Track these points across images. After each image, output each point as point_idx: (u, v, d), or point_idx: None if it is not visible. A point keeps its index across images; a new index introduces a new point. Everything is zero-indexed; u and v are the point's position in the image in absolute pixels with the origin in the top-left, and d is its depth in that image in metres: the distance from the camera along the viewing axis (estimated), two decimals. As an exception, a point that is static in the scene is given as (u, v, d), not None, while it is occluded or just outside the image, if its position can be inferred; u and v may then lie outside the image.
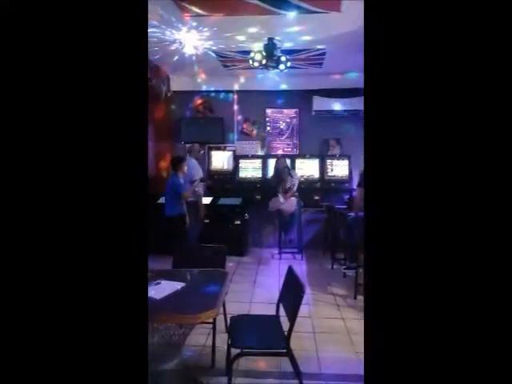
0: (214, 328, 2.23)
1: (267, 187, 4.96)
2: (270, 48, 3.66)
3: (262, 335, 1.94)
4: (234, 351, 1.81)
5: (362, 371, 2.35)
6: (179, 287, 1.83)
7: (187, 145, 4.68)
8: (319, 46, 3.97)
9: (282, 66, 3.75)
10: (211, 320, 2.18)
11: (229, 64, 4.64)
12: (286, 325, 1.84)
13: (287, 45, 3.82)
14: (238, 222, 4.80)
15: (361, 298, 3.24)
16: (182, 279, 1.93)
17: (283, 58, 3.73)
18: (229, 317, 2.18)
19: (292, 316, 1.79)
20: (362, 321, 3.46)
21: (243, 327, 2.00)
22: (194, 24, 3.37)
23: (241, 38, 3.71)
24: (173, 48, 3.94)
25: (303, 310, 2.91)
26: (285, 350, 1.76)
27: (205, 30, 3.50)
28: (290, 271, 2.07)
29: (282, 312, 2.03)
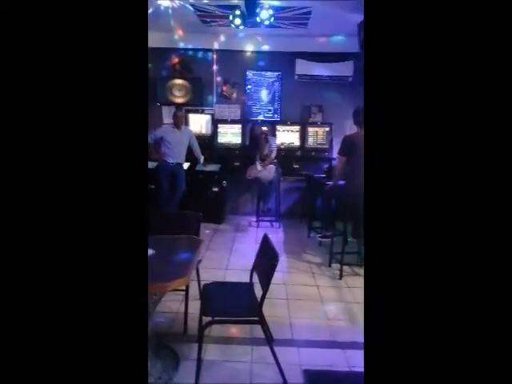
0: (187, 295, 2.19)
1: (246, 154, 4.83)
2: (252, 3, 3.41)
3: (234, 303, 1.91)
4: (206, 319, 1.78)
5: (331, 337, 2.37)
6: (149, 254, 1.75)
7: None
8: (304, 4, 3.73)
9: (264, 15, 3.50)
10: (184, 287, 2.14)
11: (208, 19, 4.33)
12: (259, 292, 1.81)
13: (270, 1, 3.57)
14: (216, 189, 4.70)
15: (335, 265, 3.29)
16: (151, 246, 1.85)
17: (267, 13, 3.49)
18: (203, 284, 2.14)
19: (265, 283, 1.76)
20: (335, 288, 3.49)
21: (216, 295, 1.96)
22: (169, -29, 3.08)
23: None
24: (146, -2, 3.62)
25: (278, 277, 2.93)
26: (256, 318, 1.74)
27: (181, -22, 3.21)
28: (265, 239, 2.03)
29: (256, 279, 2.00)
